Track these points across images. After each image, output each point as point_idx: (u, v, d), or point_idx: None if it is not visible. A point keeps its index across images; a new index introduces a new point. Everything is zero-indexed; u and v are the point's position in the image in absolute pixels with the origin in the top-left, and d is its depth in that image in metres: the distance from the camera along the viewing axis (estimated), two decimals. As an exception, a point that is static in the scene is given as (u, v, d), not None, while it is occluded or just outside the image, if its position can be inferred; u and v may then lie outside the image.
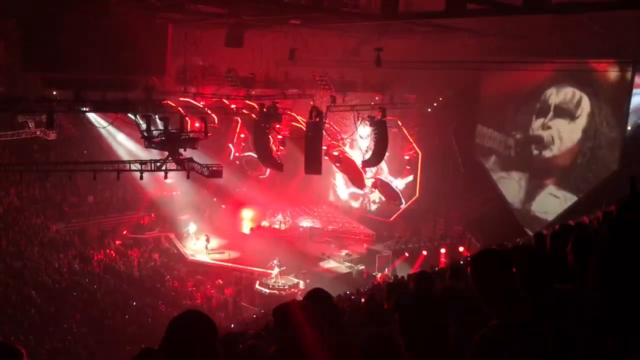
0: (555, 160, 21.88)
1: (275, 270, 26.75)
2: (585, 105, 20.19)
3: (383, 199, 31.58)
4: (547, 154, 22.07)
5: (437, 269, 14.00)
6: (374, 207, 32.78)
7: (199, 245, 31.48)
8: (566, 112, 21.24)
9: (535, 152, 22.71)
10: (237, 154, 31.74)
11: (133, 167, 21.41)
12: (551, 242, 5.10)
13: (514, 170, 24.00)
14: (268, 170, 29.59)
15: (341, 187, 34.07)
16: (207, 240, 30.85)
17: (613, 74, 20.90)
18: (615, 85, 21.03)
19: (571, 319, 2.41)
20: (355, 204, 33.82)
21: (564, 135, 21.39)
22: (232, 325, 19.87)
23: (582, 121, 20.28)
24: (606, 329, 1.46)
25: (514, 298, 2.65)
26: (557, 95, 21.72)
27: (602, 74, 21.20)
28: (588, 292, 1.48)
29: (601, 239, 1.49)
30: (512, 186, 24.64)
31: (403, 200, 30.71)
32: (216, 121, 27.73)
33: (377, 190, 30.65)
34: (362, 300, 8.00)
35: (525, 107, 23.36)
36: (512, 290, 2.70)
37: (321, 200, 35.04)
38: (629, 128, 20.74)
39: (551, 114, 21.98)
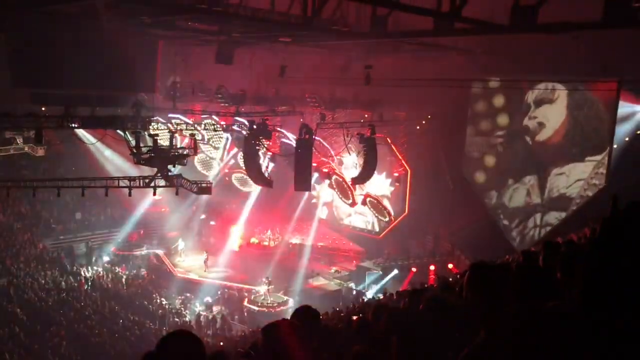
0: (551, 140, 21.84)
1: (264, 288, 26.61)
2: (559, 89, 20.89)
3: (372, 215, 31.58)
4: (541, 137, 22.02)
5: (426, 285, 13.98)
6: (363, 223, 32.77)
7: (188, 262, 31.28)
8: (545, 100, 21.78)
9: (529, 140, 22.65)
10: (226, 170, 31.69)
11: (122, 183, 21.31)
12: (540, 259, 5.13)
13: (526, 176, 23.37)
14: (255, 187, 29.57)
15: (330, 203, 34.04)
16: (207, 259, 30.48)
17: (598, 92, 21.19)
18: (601, 103, 21.31)
19: (558, 334, 2.42)
20: (345, 221, 33.79)
21: (549, 116, 21.65)
22: (221, 343, 19.68)
23: (562, 100, 20.82)
24: (589, 344, 1.47)
25: (505, 312, 2.66)
26: (532, 93, 22.38)
27: (587, 92, 21.51)
28: (574, 308, 1.50)
29: (584, 257, 1.51)
30: (520, 192, 23.76)
31: (391, 217, 30.72)
32: (205, 138, 27.78)
33: (366, 207, 30.66)
34: (353, 317, 7.96)
35: (510, 111, 23.81)
36: (503, 305, 2.71)
37: (310, 216, 34.96)
38: (615, 146, 21.01)
39: (532, 107, 22.42)
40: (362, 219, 32.65)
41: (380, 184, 30.82)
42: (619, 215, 1.49)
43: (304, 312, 3.57)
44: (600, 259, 1.45)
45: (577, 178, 20.30)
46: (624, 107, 20.43)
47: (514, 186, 23.62)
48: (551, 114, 21.43)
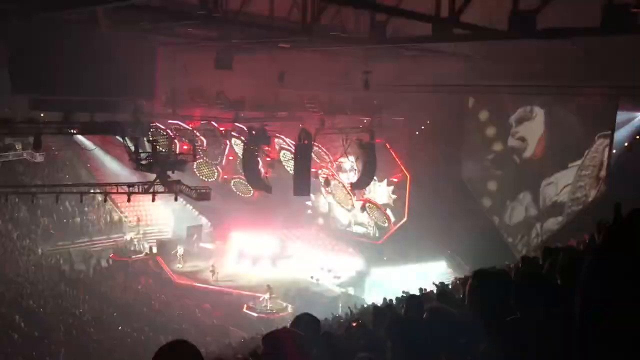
0: (535, 155, 23.01)
1: (266, 295, 26.57)
2: (536, 109, 22.26)
3: (372, 220, 31.57)
4: (527, 154, 23.19)
5: (426, 291, 13.95)
6: (362, 229, 32.75)
7: (187, 268, 31.22)
8: (524, 117, 23.15)
9: (517, 159, 23.78)
10: (225, 177, 31.66)
11: (120, 189, 21.31)
12: (545, 265, 5.11)
13: (520, 193, 24.16)
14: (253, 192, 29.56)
15: (333, 207, 34.03)
16: (213, 269, 30.16)
17: (598, 98, 21.28)
18: (601, 110, 21.38)
19: (561, 341, 2.40)
20: (344, 226, 33.77)
21: (531, 131, 22.86)
22: (220, 350, 19.61)
23: (540, 117, 22.26)
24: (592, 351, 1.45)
25: (507, 320, 2.64)
26: (514, 114, 23.75)
27: (586, 98, 21.59)
28: (575, 316, 1.48)
29: (586, 265, 1.49)
30: (518, 209, 24.43)
31: (391, 222, 30.72)
32: (205, 144, 27.78)
33: (366, 212, 30.65)
34: (353, 324, 7.92)
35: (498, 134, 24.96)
36: (505, 312, 2.69)
37: (310, 222, 34.93)
38: (614, 151, 21.05)
39: (514, 125, 23.69)
40: (361, 226, 32.66)
41: (382, 193, 30.82)
42: (623, 223, 1.47)
43: (304, 320, 3.55)
44: (602, 267, 1.43)
45: (564, 184, 21.35)
46: (623, 114, 20.49)
47: (512, 205, 24.38)
48: (531, 130, 22.64)
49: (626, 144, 20.99)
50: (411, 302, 5.73)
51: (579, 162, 20.36)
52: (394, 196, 30.67)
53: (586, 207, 21.50)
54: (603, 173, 19.83)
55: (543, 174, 22.18)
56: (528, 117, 22.67)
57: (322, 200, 34.09)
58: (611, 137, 20.89)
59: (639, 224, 1.43)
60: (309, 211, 33.85)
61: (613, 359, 1.36)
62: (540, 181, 22.44)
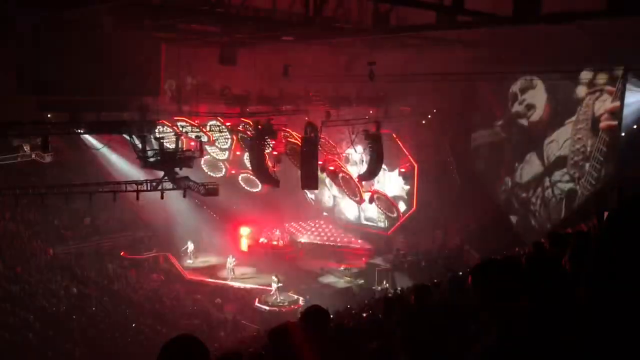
0: (542, 118, 24.70)
1: (274, 286, 26.63)
2: (535, 78, 24.24)
3: (380, 212, 31.56)
4: (534, 118, 24.91)
5: (435, 281, 13.94)
6: (371, 220, 32.76)
7: (198, 264, 31.35)
8: (527, 87, 24.89)
9: (525, 122, 25.44)
10: (232, 172, 31.72)
11: (129, 187, 21.38)
12: (550, 251, 5.09)
13: (527, 154, 25.74)
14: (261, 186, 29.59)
15: (338, 201, 34.04)
16: (233, 266, 29.89)
17: (604, 81, 21.20)
18: (607, 93, 21.28)
19: (572, 329, 2.39)
20: (353, 218, 33.78)
21: (536, 98, 24.64)
22: (233, 345, 19.71)
23: (540, 86, 24.26)
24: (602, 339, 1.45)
25: (514, 307, 2.63)
26: (516, 84, 25.32)
27: (592, 82, 21.53)
28: (582, 300, 1.47)
29: (589, 251, 1.48)
30: (527, 169, 26.03)
31: (401, 213, 30.70)
32: (211, 139, 27.83)
33: (374, 203, 30.63)
34: (364, 315, 7.95)
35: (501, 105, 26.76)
36: (513, 300, 2.68)
37: (318, 215, 34.98)
38: (622, 134, 20.94)
39: (519, 94, 25.34)
40: (370, 217, 32.68)
41: (394, 184, 30.78)
42: (625, 207, 1.45)
43: (313, 312, 3.54)
44: (605, 252, 1.42)
45: (564, 139, 23.41)
46: (631, 95, 20.37)
47: (521, 166, 26.05)
48: (535, 97, 24.61)
49: (635, 126, 20.88)
50: (420, 292, 5.73)
51: (573, 118, 22.45)
52: (406, 187, 30.61)
53: (596, 191, 21.45)
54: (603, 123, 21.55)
55: (545, 134, 24.22)
56: (530, 86, 24.54)
57: (326, 193, 34.09)
58: (620, 118, 20.82)
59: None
60: (312, 203, 33.84)
61: (619, 342, 1.36)
62: (543, 140, 24.40)
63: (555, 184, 24.09)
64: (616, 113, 20.88)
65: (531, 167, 25.13)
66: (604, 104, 21.13)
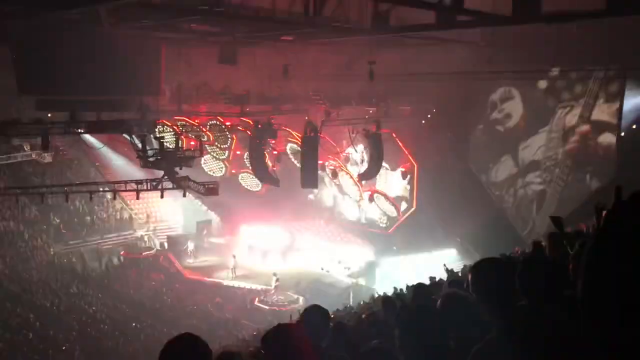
0: (517, 126, 26.44)
1: (273, 284, 26.66)
2: (513, 90, 25.92)
3: (380, 211, 31.54)
4: (510, 124, 26.63)
5: (436, 280, 13.96)
6: (371, 220, 32.74)
7: (198, 263, 31.36)
8: (506, 97, 26.47)
9: (501, 128, 27.09)
10: (233, 171, 31.72)
11: (129, 186, 21.40)
12: (550, 250, 5.10)
13: (503, 156, 27.45)
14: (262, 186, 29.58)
15: (338, 200, 34.04)
16: (234, 266, 29.84)
17: (604, 81, 21.25)
18: (607, 93, 21.33)
19: (572, 328, 2.40)
20: (353, 217, 33.77)
21: (514, 108, 26.30)
22: (233, 344, 19.73)
23: (517, 97, 25.91)
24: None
25: (514, 306, 2.65)
26: (495, 94, 26.82)
27: (593, 81, 21.55)
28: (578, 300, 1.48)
29: (585, 251, 1.49)
30: (501, 169, 27.79)
31: (399, 212, 30.69)
32: (211, 139, 27.84)
33: (374, 203, 30.62)
34: (363, 315, 7.96)
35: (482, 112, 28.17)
36: (512, 299, 2.70)
37: (319, 214, 34.96)
38: (622, 134, 20.98)
39: (498, 104, 26.93)
40: (370, 217, 32.65)
41: (396, 184, 30.75)
42: (622, 207, 1.46)
43: (313, 312, 3.57)
44: (602, 251, 1.43)
45: (538, 145, 25.24)
46: (630, 97, 20.41)
47: (496, 167, 27.74)
48: (513, 107, 26.28)
49: (634, 127, 20.91)
50: (418, 290, 5.76)
51: (547, 128, 24.37)
52: (406, 186, 30.60)
53: (596, 191, 21.54)
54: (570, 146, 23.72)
55: (520, 140, 26.03)
56: (509, 97, 26.26)
57: (326, 193, 34.08)
58: (619, 120, 20.88)
59: (637, 206, 1.43)
60: (312, 203, 33.85)
61: (616, 344, 1.37)
62: (518, 145, 26.20)
63: (527, 185, 26.11)
64: (585, 129, 22.89)
65: (505, 167, 27.13)
66: (574, 118, 23.31)
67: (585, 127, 22.68)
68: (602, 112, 22.26)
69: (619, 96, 20.83)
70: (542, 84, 24.26)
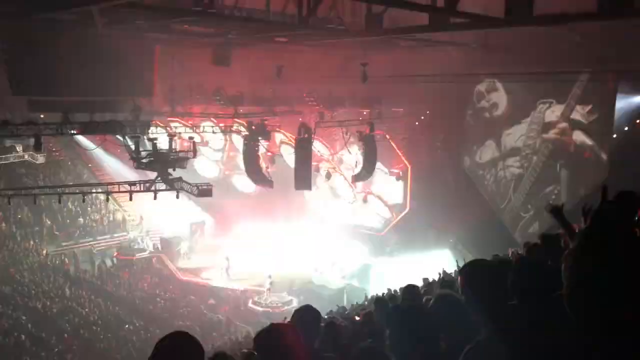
0: (503, 114, 27.25)
1: (267, 286, 26.65)
2: (497, 83, 26.86)
3: (374, 212, 31.59)
4: (497, 113, 27.46)
5: (429, 280, 13.98)
6: (365, 221, 32.75)
7: (191, 265, 31.29)
8: (491, 89, 27.19)
9: (488, 115, 27.79)
10: (226, 172, 31.70)
11: (122, 188, 21.33)
12: (540, 251, 5.13)
13: (486, 140, 28.34)
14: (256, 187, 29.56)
15: (332, 202, 34.04)
16: (228, 267, 29.83)
17: (596, 83, 21.36)
18: (599, 95, 21.44)
19: (562, 328, 2.42)
20: (347, 219, 33.77)
21: (499, 99, 27.07)
22: (226, 345, 19.69)
23: (501, 89, 26.84)
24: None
25: (504, 307, 2.67)
26: (482, 85, 27.41)
27: (585, 83, 21.67)
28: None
29: (570, 251, 1.50)
30: (485, 152, 28.68)
31: (393, 213, 30.74)
32: (205, 140, 27.80)
33: (368, 204, 30.66)
34: (356, 317, 7.97)
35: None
36: (502, 300, 2.72)
37: (312, 215, 34.95)
38: (614, 136, 21.10)
39: (485, 95, 27.61)
40: (364, 218, 32.66)
41: (392, 187, 30.78)
42: (608, 206, 1.48)
43: (304, 312, 3.57)
44: (586, 250, 1.44)
45: (520, 134, 26.47)
46: (622, 98, 20.52)
47: (480, 149, 28.66)
48: (499, 98, 27.21)
49: (626, 128, 21.03)
50: (407, 291, 5.78)
51: (528, 119, 25.73)
52: (400, 188, 30.64)
53: (589, 193, 21.64)
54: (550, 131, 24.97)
55: (503, 127, 27.25)
56: (494, 88, 27.26)
57: (319, 194, 34.07)
58: (611, 121, 20.98)
59: (625, 205, 1.45)
60: (306, 204, 33.83)
61: (603, 341, 1.38)
62: (501, 132, 27.40)
63: (507, 168, 27.84)
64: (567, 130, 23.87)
65: (489, 150, 28.49)
66: (554, 113, 24.49)
67: (563, 125, 24.02)
68: (580, 113, 22.89)
69: (609, 98, 20.92)
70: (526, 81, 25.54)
